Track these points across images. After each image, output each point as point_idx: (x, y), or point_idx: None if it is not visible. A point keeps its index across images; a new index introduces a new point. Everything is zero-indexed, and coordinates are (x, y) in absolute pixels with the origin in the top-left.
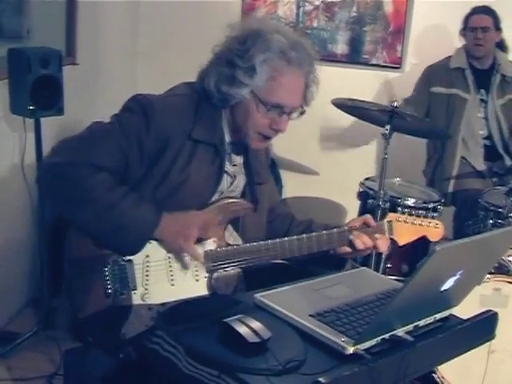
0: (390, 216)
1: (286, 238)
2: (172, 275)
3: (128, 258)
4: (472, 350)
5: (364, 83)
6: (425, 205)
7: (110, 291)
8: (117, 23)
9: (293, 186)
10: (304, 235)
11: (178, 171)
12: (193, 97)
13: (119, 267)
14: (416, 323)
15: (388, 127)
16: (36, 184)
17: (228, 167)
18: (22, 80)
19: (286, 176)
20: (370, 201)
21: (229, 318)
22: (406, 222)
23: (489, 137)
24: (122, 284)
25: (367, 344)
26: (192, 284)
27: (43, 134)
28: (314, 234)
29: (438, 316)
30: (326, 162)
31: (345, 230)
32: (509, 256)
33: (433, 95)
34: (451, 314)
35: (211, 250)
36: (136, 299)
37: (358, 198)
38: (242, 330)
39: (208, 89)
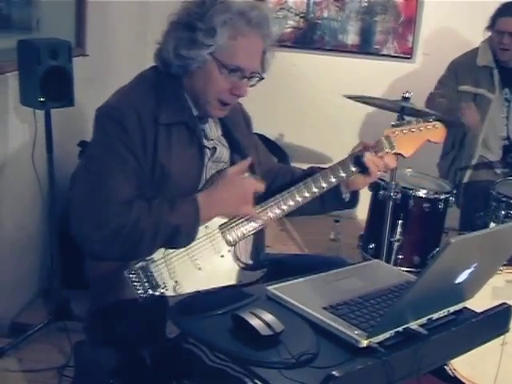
0: (386, 132)
1: (292, 187)
2: (195, 260)
3: (148, 257)
4: None
5: (375, 74)
6: (436, 196)
7: (141, 295)
8: (126, 14)
9: None
10: (309, 178)
11: (161, 161)
12: (149, 80)
13: (142, 269)
14: (430, 316)
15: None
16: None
17: (205, 142)
18: (31, 72)
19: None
20: (381, 192)
21: (241, 311)
22: (403, 132)
23: (507, 137)
24: (151, 284)
25: (381, 337)
26: (218, 262)
27: (53, 125)
28: (317, 173)
29: (452, 309)
30: (337, 152)
31: (346, 158)
32: None
33: (460, 93)
34: (464, 307)
35: (225, 223)
36: (169, 294)
37: (369, 189)
38: (255, 322)
39: (166, 58)
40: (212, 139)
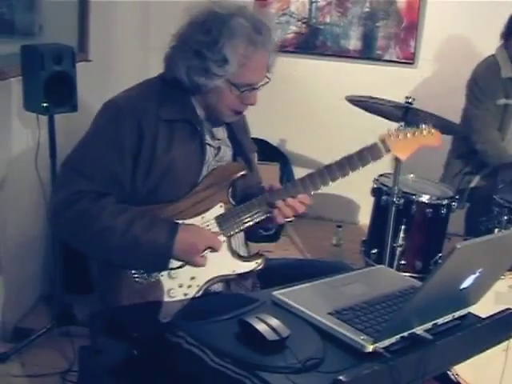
0: (381, 135)
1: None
2: None
3: None
4: None
5: (377, 79)
6: (439, 201)
7: (137, 279)
8: (129, 19)
9: None
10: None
11: (161, 155)
12: (155, 83)
13: None
14: (435, 321)
15: (402, 124)
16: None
17: (209, 141)
18: (35, 77)
19: (300, 172)
20: (383, 197)
21: (247, 316)
22: (398, 136)
23: None
24: None
25: (386, 342)
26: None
27: (56, 130)
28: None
29: (457, 314)
30: (338, 157)
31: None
32: None
33: (497, 107)
34: (469, 312)
35: (221, 215)
36: (164, 280)
37: (371, 195)
38: (261, 327)
39: (178, 77)
40: (219, 139)
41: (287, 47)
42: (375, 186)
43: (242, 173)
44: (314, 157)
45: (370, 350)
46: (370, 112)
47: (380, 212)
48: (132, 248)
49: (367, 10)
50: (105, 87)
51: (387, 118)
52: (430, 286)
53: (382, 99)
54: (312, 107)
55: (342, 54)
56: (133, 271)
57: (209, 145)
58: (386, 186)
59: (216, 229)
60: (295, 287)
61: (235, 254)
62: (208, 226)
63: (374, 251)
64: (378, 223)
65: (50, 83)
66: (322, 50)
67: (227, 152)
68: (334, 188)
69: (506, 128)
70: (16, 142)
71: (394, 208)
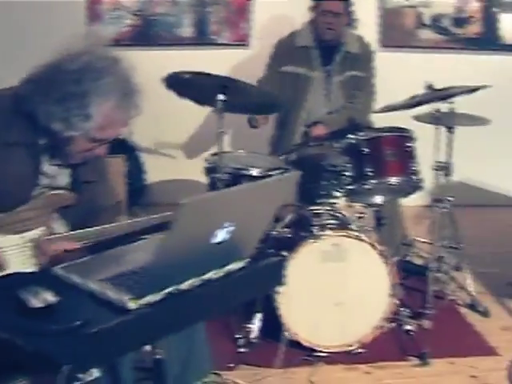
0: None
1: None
2: (6, 263)
3: None
4: (319, 303)
5: (212, 63)
6: (269, 173)
7: None
8: None
9: (156, 171)
10: None
11: None
12: (7, 101)
13: None
14: (204, 276)
15: (220, 99)
16: None
17: (46, 167)
18: None
19: (148, 162)
20: (213, 175)
21: (21, 291)
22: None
23: (330, 114)
24: None
25: (151, 298)
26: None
27: None
28: None
29: (232, 267)
30: (183, 142)
31: None
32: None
33: (282, 74)
34: (247, 264)
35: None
36: None
37: (205, 175)
38: (29, 297)
39: (34, 115)
40: (57, 165)
41: (122, 41)
42: (207, 165)
43: (68, 203)
44: (158, 145)
45: (133, 306)
46: (190, 99)
47: (214, 190)
48: None
49: None
50: None
51: (205, 103)
52: (167, 247)
53: (200, 73)
54: (150, 97)
55: (176, 42)
56: None
57: (44, 173)
58: (216, 164)
59: (29, 252)
60: (77, 260)
61: None
62: (24, 247)
63: None
64: None
65: None
66: (156, 40)
67: (65, 180)
68: (183, 173)
69: (303, 99)
70: None
71: (222, 185)
